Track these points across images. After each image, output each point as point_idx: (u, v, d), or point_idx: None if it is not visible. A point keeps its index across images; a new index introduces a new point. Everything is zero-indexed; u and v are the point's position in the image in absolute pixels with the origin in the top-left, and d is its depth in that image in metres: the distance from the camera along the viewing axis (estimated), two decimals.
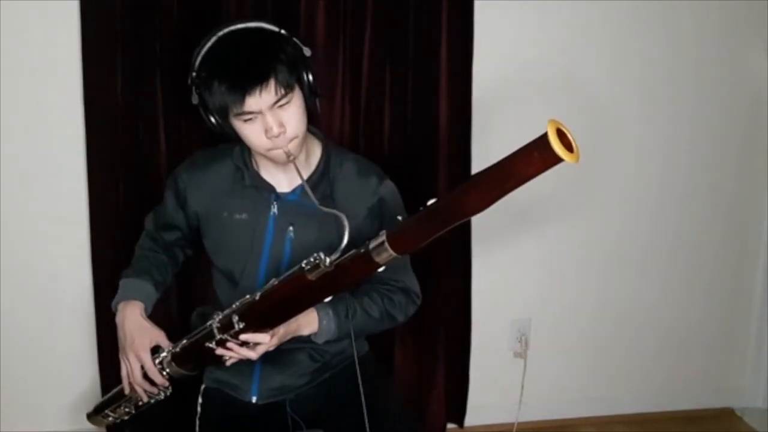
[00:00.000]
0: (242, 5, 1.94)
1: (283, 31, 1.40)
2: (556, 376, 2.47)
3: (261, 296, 1.34)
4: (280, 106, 1.36)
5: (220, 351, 1.39)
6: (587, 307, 2.45)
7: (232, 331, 1.36)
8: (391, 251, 1.20)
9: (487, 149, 2.23)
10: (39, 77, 1.99)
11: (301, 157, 1.49)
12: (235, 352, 1.39)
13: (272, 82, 1.33)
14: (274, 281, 1.33)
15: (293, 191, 1.52)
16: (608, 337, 2.49)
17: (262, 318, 1.36)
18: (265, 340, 1.37)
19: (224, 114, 1.38)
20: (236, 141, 1.50)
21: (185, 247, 1.69)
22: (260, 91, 1.33)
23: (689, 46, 2.30)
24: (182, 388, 1.55)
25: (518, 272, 2.38)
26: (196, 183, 1.56)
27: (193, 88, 1.40)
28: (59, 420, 2.19)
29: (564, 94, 2.26)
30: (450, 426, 2.39)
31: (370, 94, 2.06)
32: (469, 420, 2.39)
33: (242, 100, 1.33)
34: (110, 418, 1.62)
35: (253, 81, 1.32)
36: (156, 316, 1.57)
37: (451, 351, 2.30)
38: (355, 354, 1.49)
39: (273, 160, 1.45)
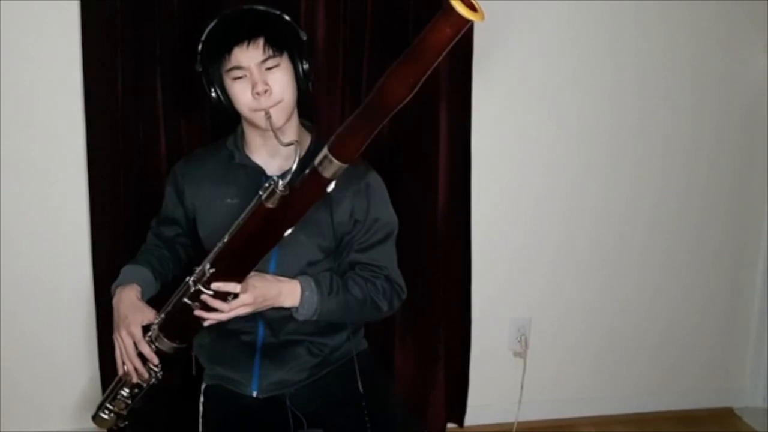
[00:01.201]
0: (242, 4, 1.94)
1: (286, 16, 1.50)
2: (555, 376, 2.48)
3: (228, 238, 1.36)
4: (269, 68, 1.45)
5: (197, 312, 1.40)
6: (587, 307, 2.45)
7: (203, 279, 1.38)
8: (336, 162, 1.27)
9: (487, 148, 2.23)
10: (39, 77, 1.99)
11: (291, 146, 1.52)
12: (210, 305, 1.39)
13: (261, 40, 1.43)
14: (238, 221, 1.36)
15: (283, 174, 1.53)
16: (608, 336, 2.49)
17: (231, 261, 1.37)
18: (236, 290, 1.39)
19: (215, 74, 1.47)
20: (234, 128, 1.58)
21: (187, 245, 1.71)
22: (248, 44, 1.42)
23: (689, 46, 2.31)
24: (183, 387, 1.55)
25: (518, 272, 2.38)
26: (193, 176, 1.60)
27: (198, 56, 1.50)
28: (59, 420, 2.20)
29: (563, 94, 2.26)
30: (450, 425, 2.39)
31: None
32: (469, 419, 2.39)
33: (230, 52, 1.42)
34: (112, 414, 1.61)
35: (243, 34, 1.42)
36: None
37: (451, 351, 2.30)
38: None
39: (256, 125, 1.49)
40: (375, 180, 1.60)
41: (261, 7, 1.50)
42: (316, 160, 1.28)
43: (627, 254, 2.44)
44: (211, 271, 1.37)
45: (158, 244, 1.69)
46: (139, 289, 1.54)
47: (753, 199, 2.48)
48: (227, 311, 1.40)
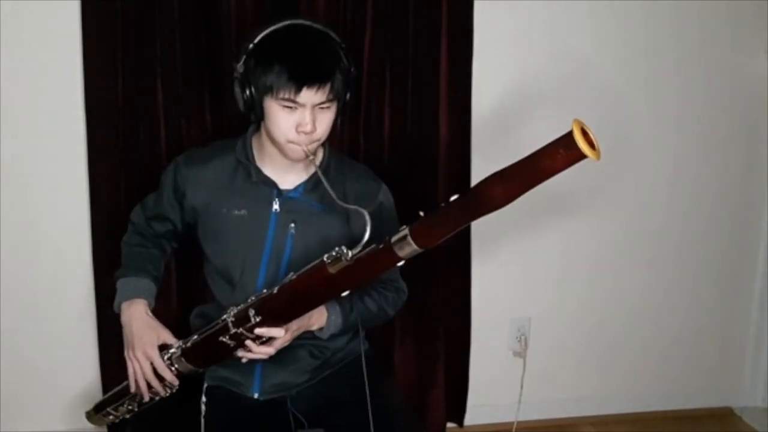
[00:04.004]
0: (242, 5, 1.94)
1: (343, 45, 1.47)
2: (555, 376, 2.48)
3: (279, 289, 1.35)
4: (322, 108, 1.42)
5: (241, 353, 1.42)
6: (586, 307, 2.45)
7: (248, 325, 1.37)
8: (414, 245, 1.21)
9: (486, 149, 2.23)
10: (39, 77, 1.98)
11: (306, 161, 1.52)
12: (252, 350, 1.41)
13: (329, 85, 1.40)
14: (292, 275, 1.35)
15: (295, 189, 1.55)
16: (607, 336, 2.49)
17: (279, 312, 1.38)
18: (279, 335, 1.40)
19: (266, 93, 1.41)
20: (238, 127, 1.55)
21: (172, 240, 1.70)
22: (317, 89, 1.39)
23: (689, 47, 2.31)
24: (184, 387, 1.55)
25: (518, 272, 2.38)
26: (195, 178, 1.57)
27: (245, 56, 1.43)
28: (59, 420, 2.19)
29: (565, 94, 2.26)
30: (450, 425, 2.39)
31: (370, 94, 2.07)
32: (469, 419, 2.40)
33: (298, 90, 1.38)
34: (111, 417, 1.61)
35: (317, 78, 1.38)
36: (156, 315, 1.57)
37: (451, 350, 2.30)
38: (363, 354, 1.52)
39: (285, 154, 1.48)
40: (386, 197, 1.62)
41: (332, 35, 1.45)
42: (394, 238, 1.23)
43: (626, 255, 2.44)
44: (257, 318, 1.36)
45: (143, 243, 1.65)
46: (146, 303, 1.54)
47: (753, 201, 2.48)
48: (272, 352, 1.43)
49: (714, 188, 2.45)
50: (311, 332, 1.54)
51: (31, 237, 2.07)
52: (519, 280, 2.39)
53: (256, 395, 1.59)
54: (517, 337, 2.41)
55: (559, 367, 2.48)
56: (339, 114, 1.48)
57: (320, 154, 1.57)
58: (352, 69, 1.48)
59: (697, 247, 2.48)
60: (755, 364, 2.58)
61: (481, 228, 2.27)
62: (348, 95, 1.48)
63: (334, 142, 1.99)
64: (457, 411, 2.38)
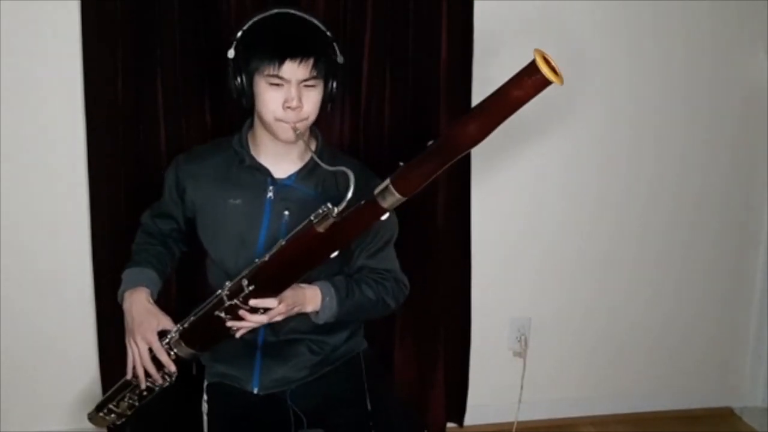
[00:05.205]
0: (242, 6, 1.94)
1: (329, 33, 1.51)
2: (555, 376, 2.48)
3: (270, 256, 1.37)
4: (307, 86, 1.46)
5: (231, 323, 1.42)
6: (586, 307, 2.45)
7: (241, 295, 1.38)
8: (396, 194, 1.26)
9: (486, 149, 2.23)
10: (39, 77, 1.99)
11: (299, 149, 1.55)
12: (246, 320, 1.41)
13: (312, 61, 1.44)
14: (281, 241, 1.37)
15: (288, 177, 1.57)
16: (607, 336, 2.49)
17: (272, 279, 1.39)
18: (273, 305, 1.40)
19: (253, 72, 1.46)
20: (236, 124, 1.59)
21: (179, 240, 1.73)
22: (300, 62, 1.43)
23: (688, 47, 2.31)
24: (185, 386, 1.55)
25: (518, 271, 2.38)
26: (195, 174, 1.60)
27: (234, 43, 1.49)
28: (59, 420, 2.20)
29: (558, 97, 2.26)
30: (450, 425, 2.39)
31: (370, 94, 2.07)
32: (469, 419, 2.40)
33: (281, 63, 1.43)
34: (113, 415, 1.62)
35: (299, 51, 1.44)
36: None
37: (451, 350, 2.30)
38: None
39: (276, 135, 1.50)
40: None
41: (317, 23, 1.50)
42: (377, 190, 1.28)
43: (627, 254, 2.44)
44: (250, 288, 1.37)
45: (150, 242, 1.68)
46: (148, 291, 1.55)
47: (753, 198, 2.48)
48: (265, 321, 1.43)
49: (714, 189, 2.45)
50: (310, 324, 1.54)
51: (31, 237, 2.07)
52: (519, 280, 2.39)
53: (255, 390, 1.60)
54: (517, 337, 2.41)
55: (559, 367, 2.48)
56: (327, 99, 1.52)
57: (313, 144, 1.60)
58: (338, 58, 1.52)
59: (697, 247, 2.48)
60: (755, 364, 2.58)
61: (481, 227, 2.27)
62: (334, 82, 1.51)
63: (334, 140, 2.01)
64: (457, 411, 2.38)
